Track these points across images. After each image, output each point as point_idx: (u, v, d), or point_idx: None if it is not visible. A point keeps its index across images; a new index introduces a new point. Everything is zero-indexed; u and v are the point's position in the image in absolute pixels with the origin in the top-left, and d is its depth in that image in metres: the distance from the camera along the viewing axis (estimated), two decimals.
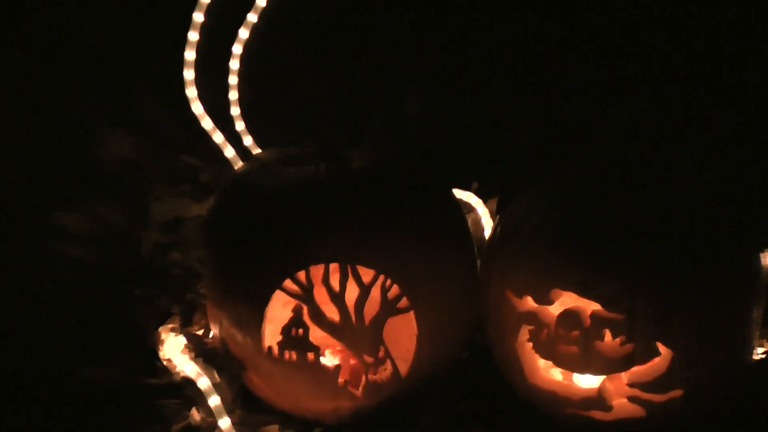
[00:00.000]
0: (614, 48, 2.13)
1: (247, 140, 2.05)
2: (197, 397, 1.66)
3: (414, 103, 2.18)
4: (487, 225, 2.01)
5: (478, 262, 1.70)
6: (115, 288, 1.86)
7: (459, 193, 2.00)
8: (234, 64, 2.02)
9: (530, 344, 1.55)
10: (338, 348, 1.63)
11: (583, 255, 1.48)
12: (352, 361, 1.62)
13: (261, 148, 2.03)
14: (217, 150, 2.00)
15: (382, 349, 1.57)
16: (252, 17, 1.98)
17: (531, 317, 1.54)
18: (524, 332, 1.56)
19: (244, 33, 2.01)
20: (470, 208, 2.03)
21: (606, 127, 2.11)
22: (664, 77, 2.09)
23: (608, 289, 1.47)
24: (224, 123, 2.02)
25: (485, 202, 2.04)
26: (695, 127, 2.04)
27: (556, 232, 1.52)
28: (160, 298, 1.86)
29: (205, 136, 1.99)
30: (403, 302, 1.55)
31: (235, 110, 2.04)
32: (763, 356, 1.70)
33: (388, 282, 1.54)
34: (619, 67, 2.11)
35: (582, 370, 1.53)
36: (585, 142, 2.12)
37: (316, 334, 1.56)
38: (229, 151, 2.00)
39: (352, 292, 1.55)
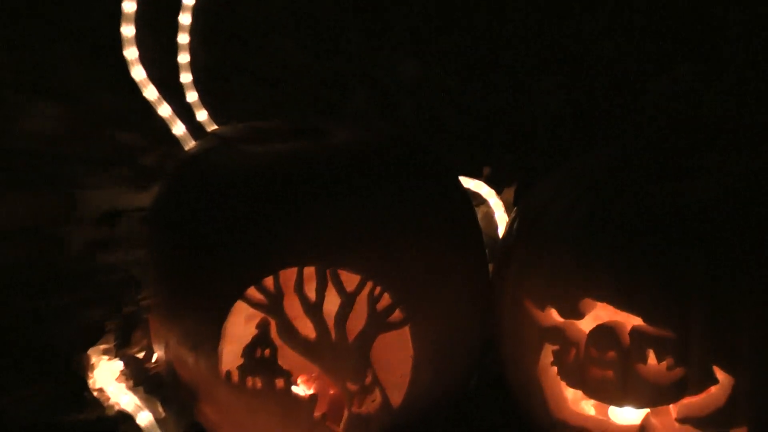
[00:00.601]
0: (659, 16, 2.14)
1: (201, 114, 2.05)
2: None
3: (411, 69, 2.18)
4: (501, 220, 2.02)
5: (490, 265, 1.70)
6: (33, 298, 1.85)
7: (467, 182, 2.02)
8: (185, 18, 2.02)
9: (555, 368, 1.55)
10: (314, 374, 1.62)
11: (620, 257, 1.47)
12: (332, 390, 1.61)
13: (218, 124, 2.03)
14: (164, 126, 2.00)
15: (369, 374, 1.56)
16: None
17: (555, 334, 1.54)
18: (547, 353, 1.55)
19: None
20: (481, 200, 2.04)
21: (648, 101, 2.12)
22: (717, 50, 2.10)
23: (652, 299, 1.45)
24: (173, 92, 2.02)
25: (499, 192, 2.06)
26: (758, 101, 2.05)
27: (585, 228, 1.51)
28: (90, 311, 1.85)
29: (149, 108, 1.99)
30: (396, 315, 1.55)
31: (186, 77, 2.04)
32: None
33: (378, 290, 1.53)
34: (665, 36, 2.12)
35: (620, 402, 1.52)
36: (621, 119, 2.14)
37: (287, 356, 1.56)
38: (179, 128, 2.00)
39: (332, 303, 1.54)
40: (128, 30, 1.95)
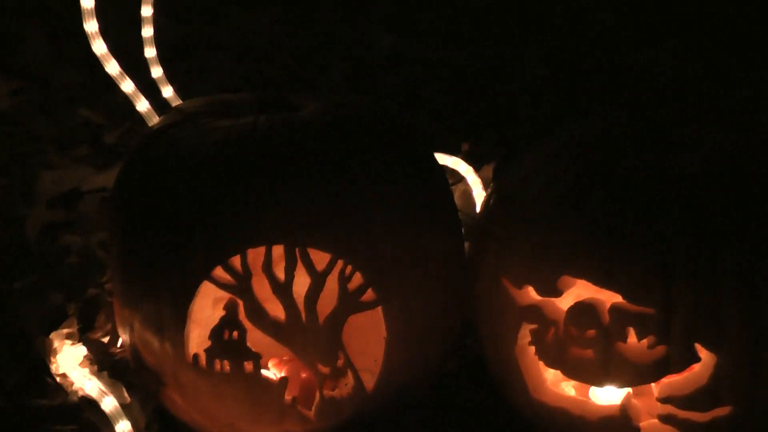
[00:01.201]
0: None
1: (167, 90, 2.05)
2: (101, 423, 1.66)
3: (387, 40, 2.18)
4: (480, 198, 2.03)
5: (467, 243, 1.72)
6: None
7: (444, 158, 2.03)
8: None
9: (533, 348, 1.57)
10: (285, 356, 1.63)
11: (599, 232, 1.49)
12: (303, 373, 1.62)
13: (184, 100, 2.00)
14: (127, 102, 1.99)
15: (341, 356, 1.57)
16: None
17: (533, 313, 1.56)
18: (525, 333, 1.57)
19: None
20: (458, 177, 2.05)
21: (631, 76, 2.13)
22: (702, 23, 2.11)
23: (633, 275, 1.47)
24: (136, 67, 2.01)
25: (477, 169, 2.06)
26: (746, 70, 2.07)
27: (564, 203, 1.53)
28: (51, 294, 1.85)
29: (111, 84, 1.98)
30: (369, 295, 1.55)
31: (150, 51, 2.03)
32: None
33: (349, 269, 1.54)
34: (649, 10, 2.13)
35: (600, 382, 1.54)
36: (604, 95, 2.14)
37: (256, 338, 1.56)
38: (142, 104, 1.99)
39: (301, 284, 1.54)
40: (88, 2, 1.92)
